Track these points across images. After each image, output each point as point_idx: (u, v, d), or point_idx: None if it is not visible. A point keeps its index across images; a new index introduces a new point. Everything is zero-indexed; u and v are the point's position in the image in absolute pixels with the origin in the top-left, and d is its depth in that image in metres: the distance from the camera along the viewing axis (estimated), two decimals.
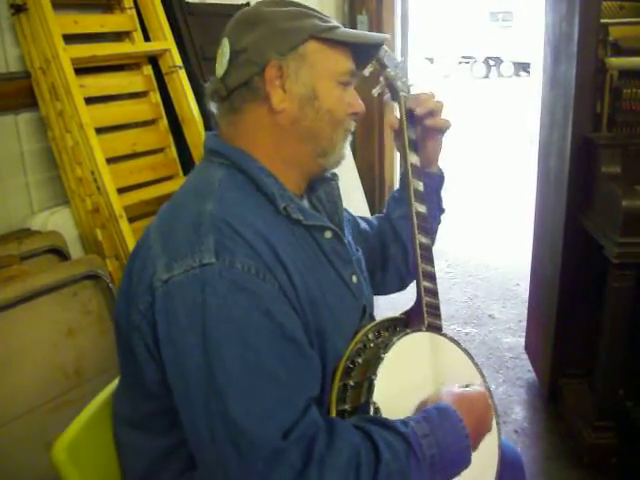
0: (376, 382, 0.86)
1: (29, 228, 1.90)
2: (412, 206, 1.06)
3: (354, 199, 3.46)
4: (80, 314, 1.65)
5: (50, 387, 1.53)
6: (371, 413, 0.85)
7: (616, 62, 1.86)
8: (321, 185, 1.05)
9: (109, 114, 2.08)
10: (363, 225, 1.22)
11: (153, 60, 2.26)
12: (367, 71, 1.05)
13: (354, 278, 1.00)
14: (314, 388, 0.84)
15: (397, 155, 3.73)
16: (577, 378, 2.19)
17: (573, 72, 1.88)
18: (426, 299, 1.01)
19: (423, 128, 1.11)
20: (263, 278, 0.80)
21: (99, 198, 1.88)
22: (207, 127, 2.23)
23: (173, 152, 2.29)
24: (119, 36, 2.20)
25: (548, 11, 2.18)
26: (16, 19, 1.86)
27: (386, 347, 0.91)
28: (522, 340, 2.70)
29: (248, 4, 2.58)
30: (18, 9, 1.83)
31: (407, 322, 1.03)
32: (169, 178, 2.25)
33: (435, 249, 1.10)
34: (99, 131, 1.94)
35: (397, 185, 3.83)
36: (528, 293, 2.59)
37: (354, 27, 3.41)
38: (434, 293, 1.03)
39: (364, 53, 0.99)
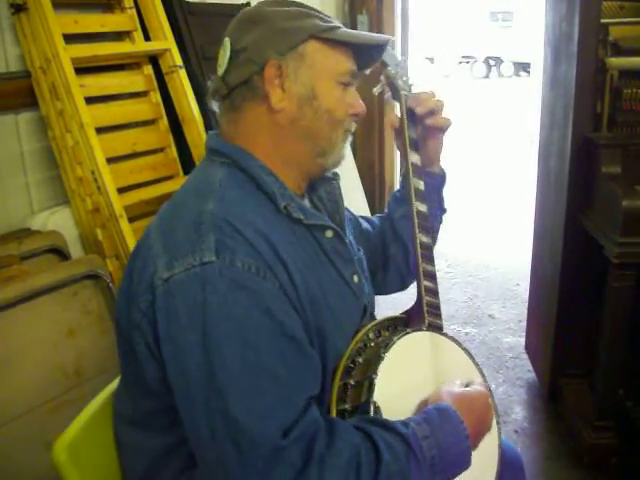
0: (376, 381, 0.86)
1: (29, 228, 1.90)
2: (413, 205, 1.06)
3: (354, 199, 3.46)
4: (80, 314, 1.65)
5: (50, 387, 1.53)
6: (371, 412, 0.85)
7: (616, 62, 1.86)
8: (322, 184, 1.05)
9: (109, 114, 2.08)
10: (365, 225, 1.22)
11: (153, 60, 2.26)
12: (367, 70, 1.05)
13: (355, 278, 1.00)
14: (314, 387, 0.84)
15: (397, 154, 3.73)
16: (577, 378, 2.19)
17: (573, 72, 1.88)
18: (427, 298, 1.01)
19: (424, 127, 1.11)
20: (263, 277, 0.81)
21: (99, 198, 1.88)
22: (207, 127, 2.23)
23: (173, 152, 2.29)
24: (119, 36, 2.20)
25: (548, 11, 2.18)
26: (16, 18, 1.86)
27: (387, 346, 0.91)
28: (522, 340, 2.70)
29: (248, 4, 2.58)
30: (18, 8, 1.83)
31: (408, 321, 1.03)
32: (169, 178, 2.25)
33: (435, 249, 1.10)
34: (99, 131, 1.94)
35: (397, 185, 3.83)
36: (528, 293, 2.59)
37: (354, 27, 3.41)
38: (435, 292, 1.03)
39: (367, 54, 0.99)
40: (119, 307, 0.91)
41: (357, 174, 3.55)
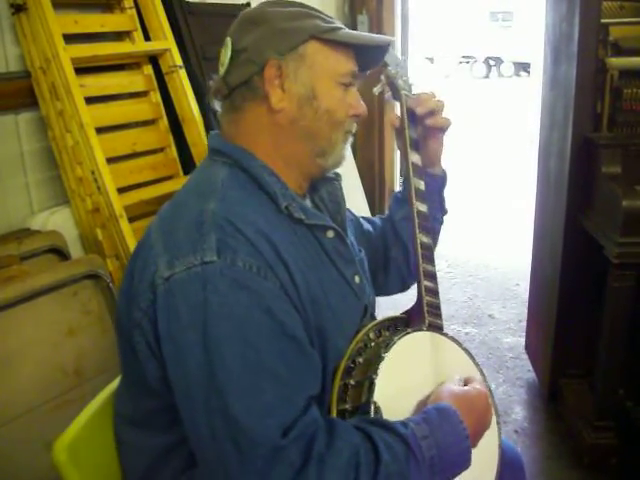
0: (377, 381, 0.86)
1: (29, 228, 1.90)
2: (413, 205, 1.06)
3: (354, 199, 3.45)
4: (80, 314, 1.65)
5: (50, 387, 1.53)
6: (372, 412, 0.85)
7: (616, 62, 1.86)
8: (323, 185, 1.05)
9: (109, 114, 2.08)
10: (366, 226, 1.22)
11: (153, 60, 2.26)
12: (369, 70, 1.05)
13: (356, 278, 1.00)
14: (314, 387, 0.84)
15: (397, 154, 3.73)
16: (577, 378, 2.19)
17: (573, 72, 1.88)
18: (427, 298, 1.01)
19: (424, 127, 1.11)
20: (264, 276, 0.81)
21: (99, 198, 1.88)
22: (207, 127, 2.23)
23: (173, 152, 2.29)
24: (119, 36, 2.20)
25: (548, 11, 2.18)
26: (16, 19, 1.86)
27: (387, 346, 0.91)
28: (522, 340, 2.70)
29: (249, 4, 2.58)
30: (18, 9, 1.83)
31: (408, 321, 1.03)
32: (169, 178, 2.25)
33: (435, 249, 1.10)
34: (99, 131, 1.94)
35: (397, 185, 3.82)
36: (528, 293, 2.59)
37: (354, 27, 3.41)
38: (435, 292, 1.03)
39: (368, 55, 0.99)
40: (120, 306, 0.92)
41: (357, 174, 3.55)
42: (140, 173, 2.14)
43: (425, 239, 1.05)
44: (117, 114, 2.13)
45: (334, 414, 0.88)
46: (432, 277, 1.04)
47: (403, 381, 0.92)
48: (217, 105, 0.98)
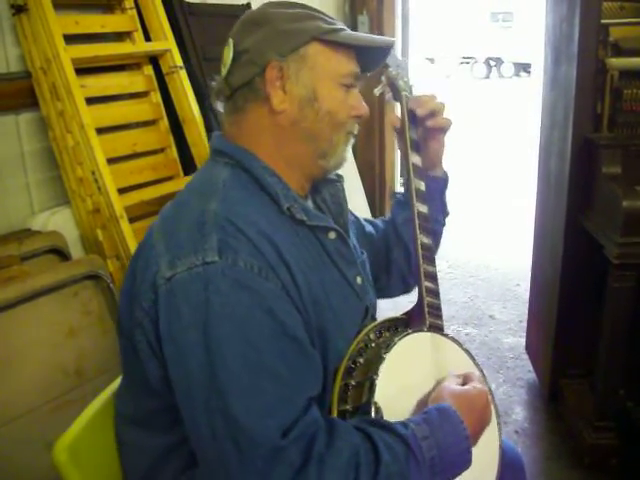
0: (378, 382, 0.86)
1: (30, 228, 1.90)
2: (414, 206, 1.06)
3: (355, 200, 3.46)
4: (81, 314, 1.66)
5: (51, 387, 1.53)
6: (372, 413, 0.85)
7: (617, 62, 1.86)
8: (326, 186, 1.06)
9: (110, 114, 2.08)
10: (368, 228, 1.22)
11: (154, 60, 2.26)
12: (371, 71, 1.05)
13: (358, 279, 1.00)
14: (315, 387, 0.84)
15: (398, 155, 3.73)
16: (578, 378, 2.19)
17: (574, 73, 1.88)
18: (427, 299, 1.01)
19: (425, 129, 1.11)
20: (265, 277, 0.81)
21: (100, 198, 1.88)
22: (207, 127, 2.23)
23: (174, 152, 2.29)
24: (120, 36, 2.20)
25: (549, 12, 2.18)
26: (17, 19, 1.86)
27: (388, 347, 0.91)
28: (522, 340, 2.70)
29: (249, 4, 2.59)
30: (19, 9, 1.83)
31: (408, 322, 1.03)
32: (170, 178, 2.25)
33: None
34: (100, 131, 1.94)
35: (398, 185, 3.81)
36: (529, 293, 2.59)
37: (355, 28, 3.41)
38: (436, 293, 1.03)
39: (371, 57, 0.99)
40: (121, 306, 0.92)
41: (358, 175, 3.55)
42: (140, 174, 2.14)
43: (426, 240, 1.05)
44: (117, 114, 2.13)
45: (335, 414, 0.88)
46: (433, 278, 1.04)
47: (404, 381, 0.92)
48: (219, 106, 0.98)
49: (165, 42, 2.22)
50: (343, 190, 1.07)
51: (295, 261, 0.86)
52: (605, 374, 1.85)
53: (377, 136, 3.65)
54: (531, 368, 2.53)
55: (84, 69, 1.98)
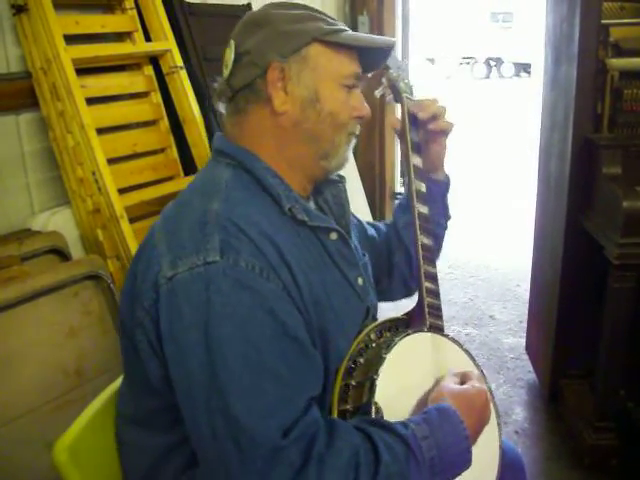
0: (378, 382, 0.86)
1: (30, 228, 1.90)
2: (414, 207, 1.06)
3: (355, 200, 3.45)
4: (81, 314, 1.65)
5: (51, 387, 1.53)
6: (373, 413, 0.85)
7: (617, 63, 1.86)
8: (328, 187, 1.06)
9: (110, 114, 2.08)
10: (370, 231, 1.22)
11: (154, 60, 2.26)
12: (373, 72, 1.05)
13: (359, 280, 1.00)
14: (316, 387, 0.84)
15: (398, 156, 3.73)
16: (578, 379, 2.19)
17: (574, 73, 1.88)
18: (428, 300, 1.01)
19: (427, 132, 1.11)
20: (267, 277, 0.81)
21: (100, 198, 1.88)
22: (208, 127, 2.23)
23: (174, 152, 2.29)
24: (120, 36, 2.20)
25: (549, 12, 2.19)
26: (17, 19, 1.86)
27: (388, 347, 0.91)
28: (523, 341, 2.70)
29: (249, 5, 2.58)
30: (19, 9, 1.83)
31: (409, 323, 1.04)
32: (170, 179, 2.25)
33: None
34: (100, 131, 1.94)
35: (398, 186, 3.81)
36: (529, 294, 2.59)
37: (355, 28, 3.41)
38: (436, 294, 1.03)
39: (372, 57, 0.99)
40: (123, 306, 0.92)
41: (358, 176, 3.55)
42: (141, 174, 2.14)
43: (426, 240, 1.05)
44: (118, 115, 2.13)
45: (335, 414, 0.88)
46: (433, 279, 1.04)
47: (404, 382, 0.92)
48: (221, 107, 0.98)
49: (165, 42, 2.22)
50: (345, 191, 1.07)
51: (296, 262, 0.86)
52: (605, 374, 1.85)
53: (377, 137, 3.65)
54: (531, 368, 2.53)
55: (84, 69, 1.98)
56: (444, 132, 1.11)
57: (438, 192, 1.17)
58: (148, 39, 2.23)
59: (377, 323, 1.00)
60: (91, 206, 1.92)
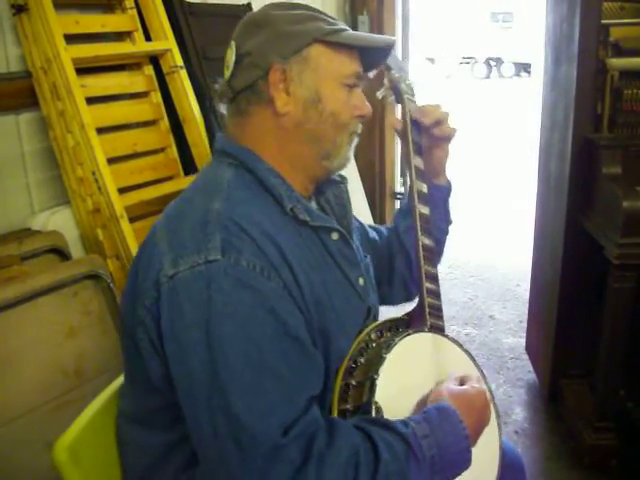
0: (378, 382, 0.87)
1: (30, 228, 1.90)
2: (415, 207, 1.06)
3: (356, 200, 3.43)
4: (81, 314, 1.65)
5: (51, 387, 1.53)
6: (373, 413, 0.85)
7: (617, 63, 1.86)
8: (329, 187, 1.06)
9: (110, 114, 2.08)
10: (372, 234, 1.22)
11: (154, 60, 2.26)
12: (371, 73, 1.06)
13: (361, 280, 1.00)
14: (316, 387, 0.84)
15: (398, 156, 3.73)
16: (578, 379, 2.19)
17: (574, 73, 1.88)
18: (428, 300, 1.01)
19: (430, 138, 1.11)
20: (268, 276, 0.81)
21: (100, 198, 1.88)
22: (208, 127, 2.23)
23: (174, 152, 2.29)
24: (120, 36, 2.20)
25: (549, 12, 2.19)
26: (17, 19, 1.86)
27: (388, 347, 0.91)
28: (522, 341, 2.70)
29: (249, 5, 2.58)
30: (19, 9, 1.83)
31: (409, 323, 1.04)
32: (170, 178, 2.25)
33: None
34: (100, 131, 1.94)
35: (398, 186, 3.80)
36: (529, 294, 2.59)
37: (355, 28, 3.41)
38: (436, 294, 1.03)
39: (372, 56, 0.99)
40: (124, 305, 0.92)
41: (358, 175, 3.54)
42: (141, 173, 2.14)
43: (427, 241, 1.05)
44: (118, 114, 2.13)
45: (335, 414, 0.89)
46: (434, 279, 1.04)
47: (404, 381, 0.92)
48: (222, 108, 0.98)
49: (165, 42, 2.22)
50: (347, 191, 1.07)
51: (298, 261, 0.86)
52: (605, 374, 1.85)
53: (377, 136, 3.65)
54: (531, 368, 2.53)
55: (84, 69, 1.98)
56: (448, 138, 1.12)
57: (440, 197, 1.18)
58: (148, 39, 2.23)
59: (378, 323, 1.00)
60: (91, 206, 1.92)
